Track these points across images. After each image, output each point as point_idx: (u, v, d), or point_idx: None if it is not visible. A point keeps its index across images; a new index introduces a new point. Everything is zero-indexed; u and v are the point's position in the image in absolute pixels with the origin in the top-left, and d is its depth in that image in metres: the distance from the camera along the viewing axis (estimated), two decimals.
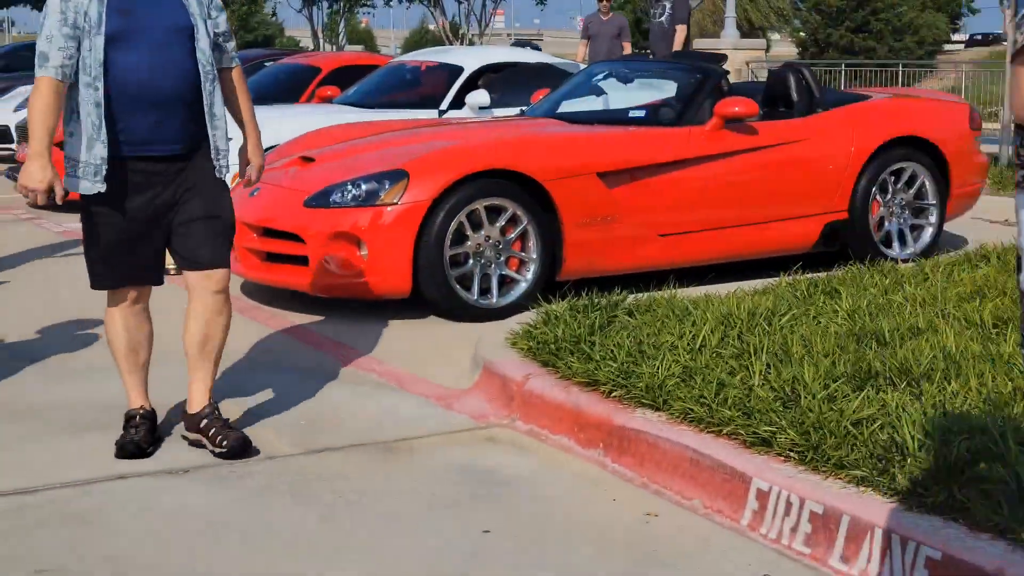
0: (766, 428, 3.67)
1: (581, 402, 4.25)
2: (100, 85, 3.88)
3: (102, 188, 3.95)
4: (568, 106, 7.40)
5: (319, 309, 6.24)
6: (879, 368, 4.07)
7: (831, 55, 35.29)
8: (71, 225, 9.32)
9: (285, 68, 11.68)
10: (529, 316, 5.27)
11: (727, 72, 7.05)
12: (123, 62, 3.91)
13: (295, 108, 9.56)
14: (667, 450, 3.84)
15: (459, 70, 9.32)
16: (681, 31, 12.19)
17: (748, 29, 34.60)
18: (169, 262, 4.47)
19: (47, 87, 3.88)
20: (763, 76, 16.46)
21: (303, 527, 3.54)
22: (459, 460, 4.14)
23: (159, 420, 4.36)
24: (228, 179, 4.19)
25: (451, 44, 22.08)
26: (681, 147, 6.51)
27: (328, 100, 9.65)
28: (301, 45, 48.12)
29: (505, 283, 6.16)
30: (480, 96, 8.73)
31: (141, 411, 4.24)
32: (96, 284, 4.17)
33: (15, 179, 9.59)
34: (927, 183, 7.27)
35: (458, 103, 9.06)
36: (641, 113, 6.86)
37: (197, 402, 4.24)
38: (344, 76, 10.50)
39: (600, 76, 7.62)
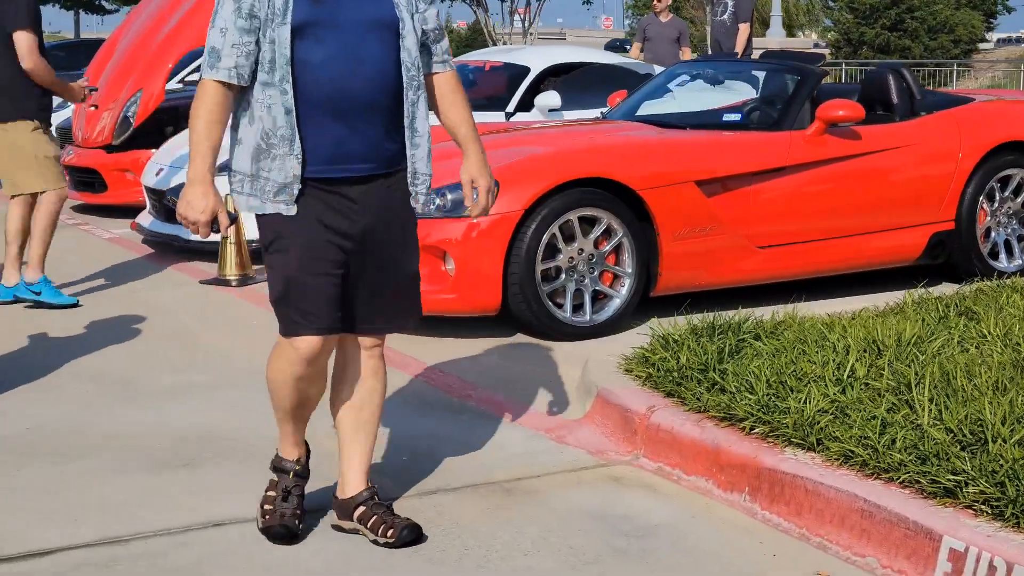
0: (949, 477, 3.26)
1: (719, 439, 3.84)
2: (289, 87, 3.15)
3: (292, 211, 3.20)
4: (651, 109, 6.99)
5: None
6: None
7: (865, 54, 34.80)
8: (120, 231, 8.97)
9: None
10: (639, 339, 4.87)
11: (826, 73, 6.62)
12: (308, 59, 3.16)
13: None
14: (831, 498, 3.42)
15: (525, 70, 8.90)
16: (744, 29, 11.73)
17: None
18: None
19: (215, 94, 3.17)
20: None
21: None
22: (587, 504, 3.73)
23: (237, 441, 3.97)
24: (420, 207, 3.41)
25: (495, 44, 21.58)
26: (782, 153, 6.08)
27: None
28: None
29: (597, 299, 5.75)
30: (550, 98, 8.31)
31: (297, 467, 3.51)
32: (289, 331, 3.28)
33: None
34: None
35: (524, 105, 8.66)
36: (736, 116, 6.44)
37: (352, 485, 3.45)
38: None
39: (685, 77, 7.20)
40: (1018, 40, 50.49)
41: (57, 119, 13.39)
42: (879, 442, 3.50)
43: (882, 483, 3.38)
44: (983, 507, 3.15)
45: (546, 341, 5.57)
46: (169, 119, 9.46)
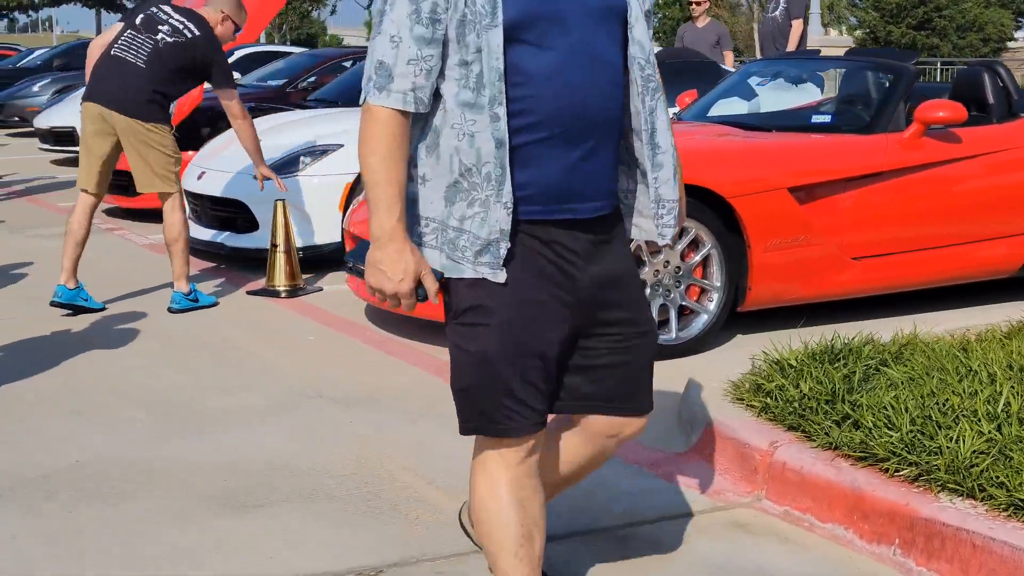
0: None
1: (860, 482, 3.41)
2: (502, 112, 2.35)
3: (501, 277, 2.43)
4: (727, 109, 6.56)
5: None
6: None
7: None
8: (156, 236, 8.54)
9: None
10: (732, 359, 4.45)
11: (921, 72, 6.17)
12: (529, 70, 2.38)
13: None
14: (1006, 556, 2.98)
15: None
16: (798, 26, 11.26)
17: None
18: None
19: (390, 124, 2.38)
20: None
21: None
22: (713, 555, 3.31)
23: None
24: (664, 242, 2.67)
25: None
26: (878, 157, 5.64)
27: None
28: (344, 43, 47.46)
29: (683, 315, 5.32)
30: None
31: None
32: (480, 429, 2.53)
33: None
34: None
35: None
36: (826, 118, 6.00)
37: None
38: None
39: (763, 75, 6.76)
40: None
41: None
42: None
43: None
44: None
45: None
46: (206, 120, 9.05)
